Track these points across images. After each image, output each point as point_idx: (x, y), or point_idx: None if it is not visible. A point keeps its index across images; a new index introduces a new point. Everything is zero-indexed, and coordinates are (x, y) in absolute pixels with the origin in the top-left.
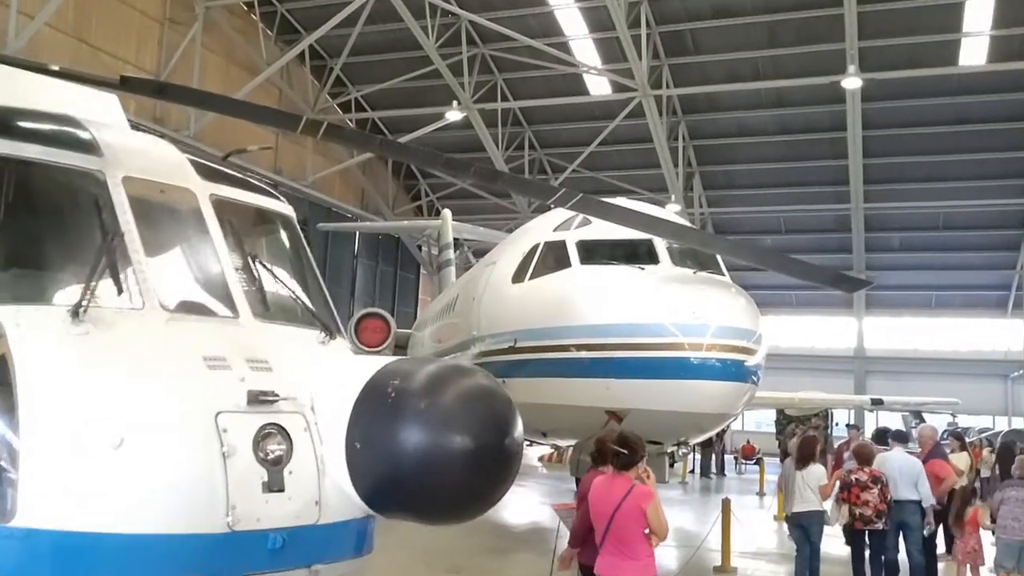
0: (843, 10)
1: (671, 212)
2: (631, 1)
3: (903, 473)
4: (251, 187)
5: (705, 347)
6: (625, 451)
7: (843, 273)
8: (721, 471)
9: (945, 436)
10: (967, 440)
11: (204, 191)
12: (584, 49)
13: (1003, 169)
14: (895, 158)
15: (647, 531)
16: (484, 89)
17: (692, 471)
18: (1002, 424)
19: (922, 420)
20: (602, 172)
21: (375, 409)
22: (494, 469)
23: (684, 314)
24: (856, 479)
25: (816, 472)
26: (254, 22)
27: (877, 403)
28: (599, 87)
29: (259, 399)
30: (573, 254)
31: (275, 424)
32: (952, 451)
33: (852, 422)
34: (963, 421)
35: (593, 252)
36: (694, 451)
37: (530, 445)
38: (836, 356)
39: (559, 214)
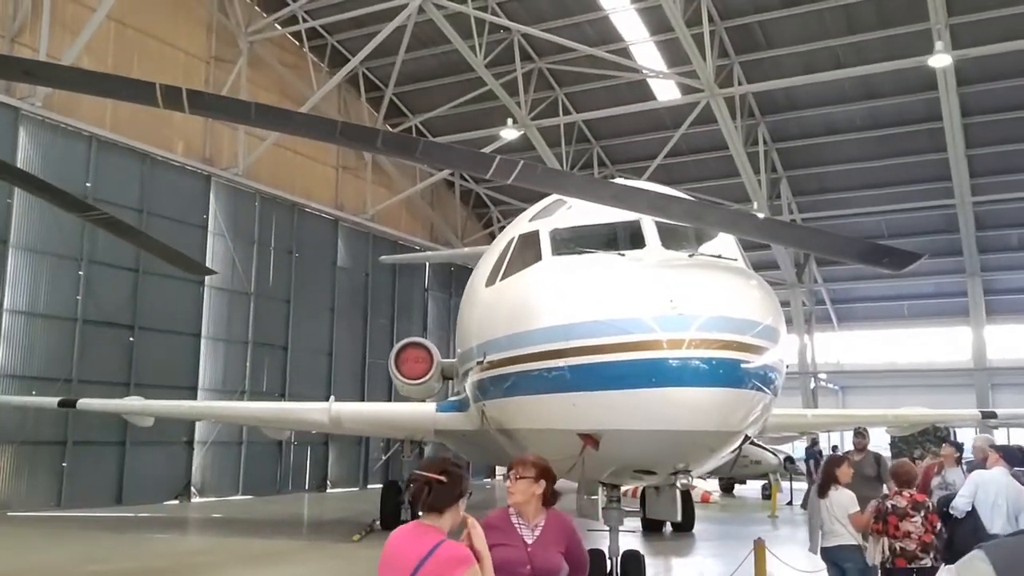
0: None
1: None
2: None
3: (1003, 500)
4: None
5: (686, 344)
6: (443, 479)
7: (882, 244)
8: None
9: None
10: None
11: None
12: (647, 53)
13: None
14: (1001, 146)
15: None
16: (543, 105)
17: (790, 503)
18: None
19: None
20: (681, 185)
21: None
22: None
23: (657, 304)
24: (892, 505)
25: (840, 499)
26: (305, 55)
27: (990, 417)
28: (667, 92)
29: None
30: (545, 245)
31: None
32: None
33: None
34: None
35: (569, 240)
36: (790, 480)
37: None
38: (955, 370)
39: (547, 200)
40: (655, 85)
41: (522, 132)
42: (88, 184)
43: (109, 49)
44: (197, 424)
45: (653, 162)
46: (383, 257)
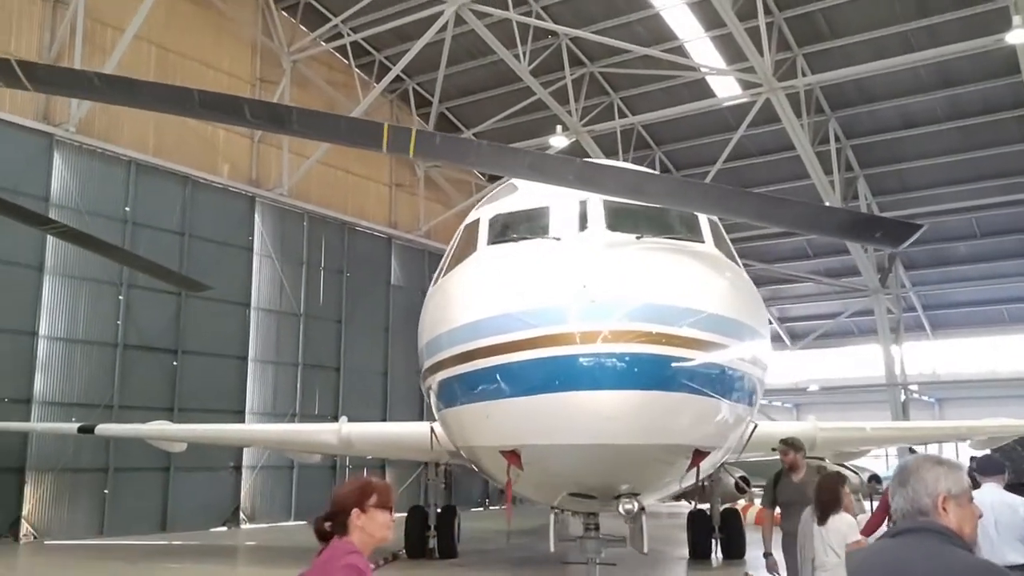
0: None
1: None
2: None
3: (1004, 523)
4: None
5: (599, 337)
6: None
7: (872, 216)
8: None
9: None
10: None
11: None
12: (703, 50)
13: None
14: None
15: None
16: (598, 110)
17: None
18: None
19: None
20: (753, 188)
21: None
22: None
23: (565, 291)
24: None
25: (839, 526)
26: (353, 73)
27: None
28: (727, 88)
29: None
30: (483, 234)
31: None
32: None
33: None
34: None
35: (507, 227)
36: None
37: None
38: None
39: (501, 185)
40: (714, 83)
41: (573, 139)
42: (127, 208)
43: (150, 72)
44: (245, 448)
45: (713, 166)
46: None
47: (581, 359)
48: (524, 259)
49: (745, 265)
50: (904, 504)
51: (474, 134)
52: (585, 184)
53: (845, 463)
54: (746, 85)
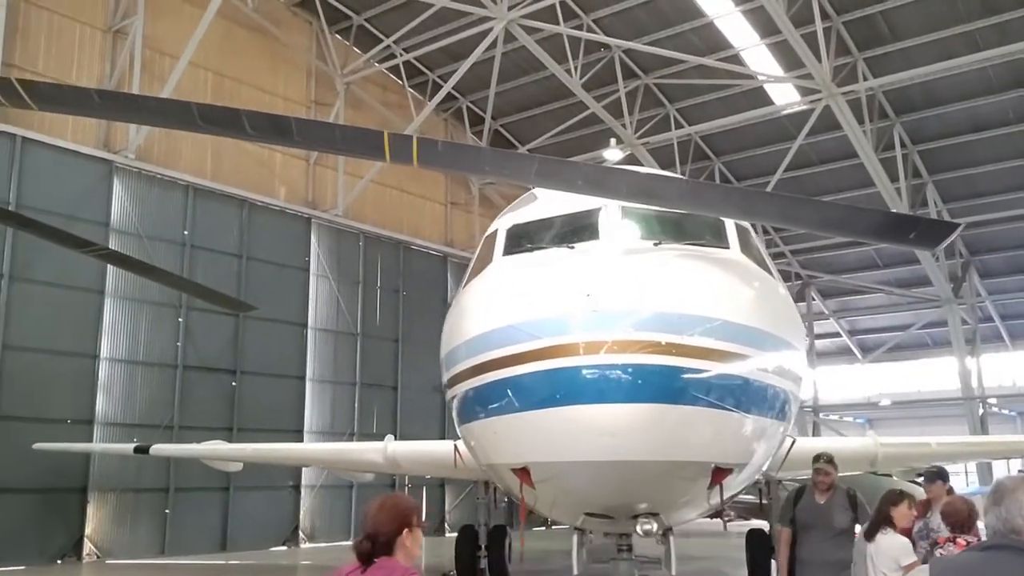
0: None
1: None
2: None
3: None
4: None
5: (603, 348)
6: None
7: (906, 215)
8: None
9: None
10: None
11: None
12: (760, 58)
13: None
14: None
15: None
16: (653, 122)
17: None
18: None
19: None
20: (817, 197)
21: None
22: None
23: (569, 300)
24: (942, 555)
25: (890, 546)
26: (406, 93)
27: None
28: (785, 96)
29: None
30: (499, 244)
31: None
32: None
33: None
34: None
35: (523, 237)
36: None
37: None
38: None
39: (524, 195)
40: (772, 91)
41: (628, 152)
42: (186, 232)
43: (207, 98)
44: (304, 468)
45: (784, 175)
46: None
47: (584, 371)
48: (535, 269)
49: (811, 277)
50: (996, 523)
51: (529, 150)
52: (595, 188)
53: (917, 481)
54: (805, 92)
